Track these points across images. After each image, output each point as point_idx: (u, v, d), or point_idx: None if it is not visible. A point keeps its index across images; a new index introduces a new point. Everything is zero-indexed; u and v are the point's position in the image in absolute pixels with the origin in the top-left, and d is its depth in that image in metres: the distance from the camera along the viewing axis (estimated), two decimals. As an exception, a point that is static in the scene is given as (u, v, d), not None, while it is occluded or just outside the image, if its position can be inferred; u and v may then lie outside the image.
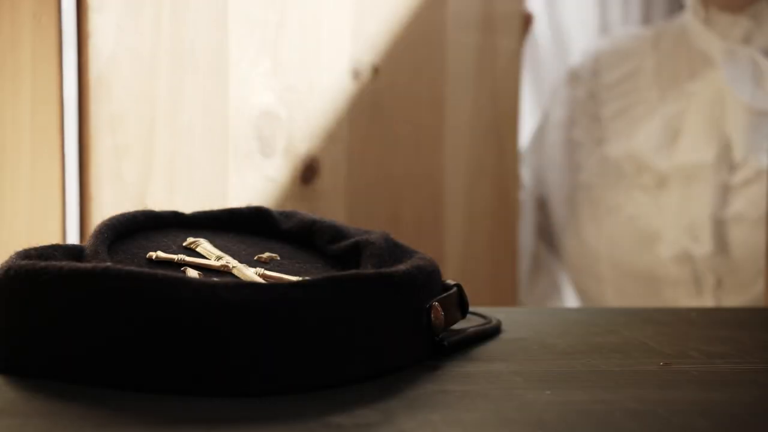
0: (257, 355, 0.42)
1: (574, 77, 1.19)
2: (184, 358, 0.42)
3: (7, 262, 0.46)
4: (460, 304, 0.55)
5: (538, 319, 0.67)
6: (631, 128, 1.09)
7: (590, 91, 1.15)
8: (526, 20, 1.12)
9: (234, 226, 0.58)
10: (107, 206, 0.75)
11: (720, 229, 1.01)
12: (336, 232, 0.56)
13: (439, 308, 0.51)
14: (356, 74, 0.92)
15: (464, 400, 0.42)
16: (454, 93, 0.99)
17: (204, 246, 0.52)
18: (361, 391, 0.43)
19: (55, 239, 0.68)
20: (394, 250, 0.54)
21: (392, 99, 0.95)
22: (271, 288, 0.43)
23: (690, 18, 1.10)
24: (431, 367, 0.49)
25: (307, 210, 0.63)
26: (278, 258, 0.53)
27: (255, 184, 0.87)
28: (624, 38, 1.20)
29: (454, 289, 0.55)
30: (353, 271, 0.46)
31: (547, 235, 1.20)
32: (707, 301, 1.03)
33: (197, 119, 0.88)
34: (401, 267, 0.49)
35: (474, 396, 0.43)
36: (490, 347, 0.55)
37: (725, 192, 1.02)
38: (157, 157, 0.78)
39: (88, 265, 0.43)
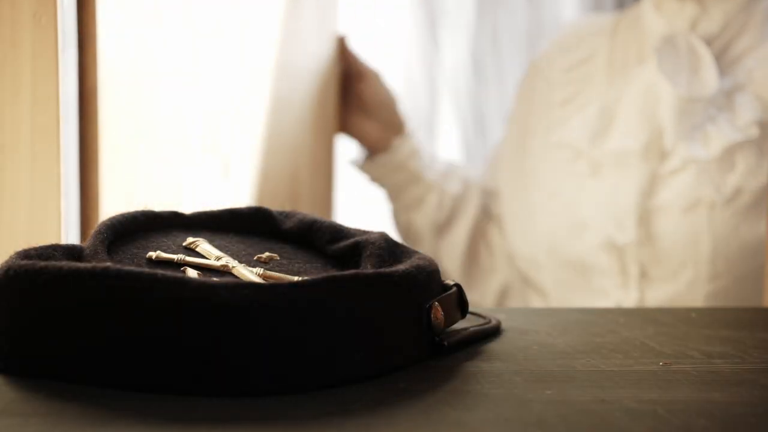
0: (257, 355, 0.42)
1: (534, 66, 1.19)
2: (183, 358, 0.42)
3: (6, 262, 0.46)
4: (459, 304, 0.55)
5: (538, 319, 0.67)
6: (573, 115, 1.08)
7: (547, 78, 1.14)
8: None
9: (234, 226, 0.57)
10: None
11: (646, 217, 1.00)
12: (336, 232, 0.56)
13: (439, 308, 0.51)
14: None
15: (464, 400, 0.42)
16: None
17: (204, 246, 0.52)
18: (361, 392, 0.43)
19: (55, 239, 0.68)
20: (394, 250, 0.54)
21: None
22: (271, 288, 0.43)
23: (644, 5, 1.08)
24: (431, 367, 0.49)
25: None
26: (278, 258, 0.53)
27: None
28: (583, 26, 1.19)
29: (454, 289, 0.55)
30: (353, 271, 0.46)
31: (496, 221, 1.20)
32: (632, 293, 1.02)
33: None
34: (401, 267, 0.49)
35: (474, 396, 0.43)
36: (490, 347, 0.55)
37: (653, 180, 1.00)
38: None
39: (88, 265, 0.43)
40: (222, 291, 0.42)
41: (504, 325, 0.61)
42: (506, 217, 1.17)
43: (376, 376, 0.46)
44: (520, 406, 0.41)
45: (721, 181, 0.97)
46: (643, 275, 1.01)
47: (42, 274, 0.43)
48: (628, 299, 1.02)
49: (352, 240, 0.54)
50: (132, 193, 0.75)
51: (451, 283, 0.55)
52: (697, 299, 0.99)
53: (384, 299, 0.46)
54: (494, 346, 0.55)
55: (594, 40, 1.13)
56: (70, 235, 0.70)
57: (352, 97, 1.19)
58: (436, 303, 0.50)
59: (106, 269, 0.42)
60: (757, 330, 0.64)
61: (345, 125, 1.20)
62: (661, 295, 1.00)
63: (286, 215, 0.59)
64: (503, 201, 1.18)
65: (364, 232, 0.56)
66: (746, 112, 0.98)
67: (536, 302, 1.13)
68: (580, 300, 1.06)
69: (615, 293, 1.02)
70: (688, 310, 0.70)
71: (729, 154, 0.97)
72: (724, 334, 0.61)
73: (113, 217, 0.53)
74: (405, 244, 0.58)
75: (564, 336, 0.59)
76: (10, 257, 0.47)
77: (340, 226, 0.57)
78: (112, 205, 0.72)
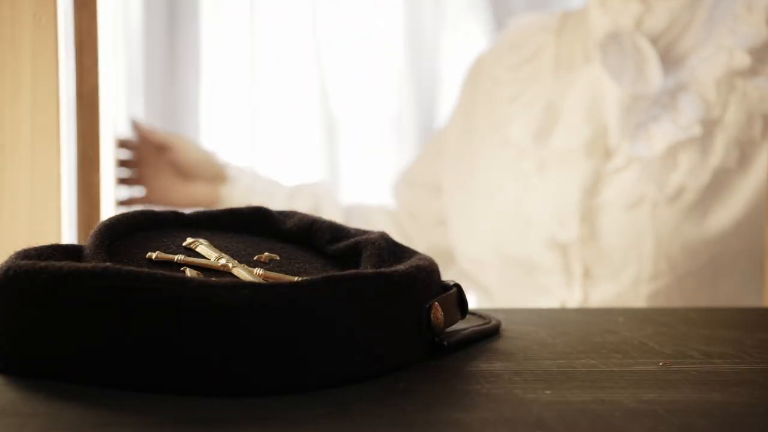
0: (256, 355, 0.42)
1: (479, 63, 1.17)
2: (183, 358, 0.42)
3: (6, 262, 0.46)
4: (459, 304, 0.55)
5: (538, 319, 0.67)
6: (520, 113, 1.07)
7: (493, 76, 1.13)
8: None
9: (233, 225, 0.57)
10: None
11: (589, 216, 0.99)
12: (335, 232, 0.56)
13: (439, 308, 0.51)
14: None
15: (464, 400, 0.42)
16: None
17: (203, 246, 0.52)
18: (360, 392, 0.43)
19: (55, 239, 0.68)
20: (394, 250, 0.54)
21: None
22: (271, 288, 0.43)
23: (590, 2, 1.06)
24: (431, 367, 0.49)
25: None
26: (278, 258, 0.53)
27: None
28: (530, 24, 1.16)
29: (454, 289, 0.55)
30: (353, 271, 0.46)
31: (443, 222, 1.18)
32: (576, 292, 1.01)
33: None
34: (401, 267, 0.49)
35: (474, 396, 0.43)
36: (490, 347, 0.55)
37: (597, 178, 0.99)
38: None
39: (88, 265, 0.43)
40: (221, 291, 0.42)
41: (504, 325, 0.61)
42: (450, 216, 1.15)
43: (376, 376, 0.46)
44: (520, 406, 0.41)
45: (663, 179, 0.96)
46: (587, 274, 1.00)
47: (41, 273, 0.43)
48: (572, 299, 1.01)
49: (352, 240, 0.54)
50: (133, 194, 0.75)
51: (451, 283, 0.55)
52: (639, 299, 0.98)
53: (384, 299, 0.46)
54: (494, 346, 0.55)
55: (540, 37, 1.11)
56: (70, 235, 0.70)
57: (166, 168, 1.23)
58: (436, 303, 0.50)
59: (105, 269, 0.42)
60: (757, 330, 0.64)
61: (169, 197, 1.24)
62: (604, 294, 0.99)
63: (286, 215, 0.59)
64: (447, 199, 1.16)
65: (364, 232, 0.56)
66: (689, 111, 0.97)
67: (483, 302, 1.13)
68: (525, 299, 1.05)
69: (559, 292, 1.02)
70: (688, 310, 0.70)
71: (672, 153, 0.97)
72: (724, 334, 0.61)
73: (113, 217, 0.53)
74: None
75: (564, 336, 0.59)
76: (10, 257, 0.47)
77: (340, 225, 0.57)
78: (112, 205, 0.72)
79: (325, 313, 0.43)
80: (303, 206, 1.20)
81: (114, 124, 1.07)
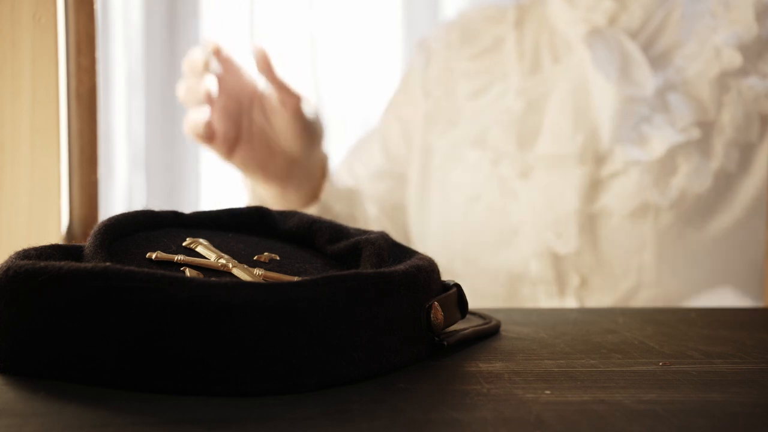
0: (256, 355, 0.42)
1: (426, 49, 1.10)
2: (183, 358, 0.42)
3: (6, 262, 0.46)
4: (459, 304, 0.55)
5: (538, 319, 0.67)
6: (488, 111, 1.01)
7: (447, 65, 1.06)
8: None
9: (233, 225, 0.58)
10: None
11: (586, 224, 0.93)
12: (335, 232, 0.56)
13: (439, 308, 0.51)
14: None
15: (464, 400, 0.42)
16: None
17: (203, 246, 0.52)
18: (361, 391, 0.43)
19: (55, 239, 0.68)
20: (394, 250, 0.54)
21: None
22: (271, 288, 0.43)
23: None
24: (431, 367, 0.49)
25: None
26: (278, 258, 0.53)
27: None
28: (481, 13, 1.09)
29: (454, 289, 0.55)
30: (353, 271, 0.46)
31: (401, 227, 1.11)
32: (569, 302, 0.95)
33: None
34: (400, 267, 0.49)
35: (474, 396, 0.43)
36: (490, 347, 0.55)
37: (592, 185, 0.94)
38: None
39: (88, 264, 0.43)
40: (221, 291, 0.42)
41: (504, 325, 0.61)
42: (414, 223, 1.07)
43: (375, 376, 0.46)
44: (520, 406, 0.41)
45: (665, 184, 0.92)
46: (583, 284, 0.95)
47: (41, 273, 0.43)
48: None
49: (352, 240, 0.54)
50: (133, 193, 0.75)
51: (451, 283, 0.55)
52: (637, 305, 0.93)
53: (384, 299, 0.46)
54: (494, 346, 0.55)
55: (497, 28, 1.05)
56: (70, 236, 0.70)
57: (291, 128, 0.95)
58: (436, 303, 0.50)
59: (105, 269, 0.42)
60: (757, 330, 0.64)
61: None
62: (602, 304, 0.94)
63: (286, 215, 0.59)
64: (409, 192, 1.09)
65: (364, 232, 0.56)
66: (684, 113, 0.93)
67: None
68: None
69: (547, 303, 0.96)
70: (688, 310, 0.70)
71: (671, 157, 0.92)
72: (724, 334, 0.61)
73: (112, 217, 0.53)
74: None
75: (564, 336, 0.59)
76: (10, 257, 0.47)
77: (340, 225, 0.57)
78: (111, 205, 0.72)
79: (325, 313, 0.43)
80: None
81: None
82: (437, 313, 0.50)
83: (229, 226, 0.57)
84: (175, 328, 0.41)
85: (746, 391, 0.45)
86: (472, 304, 1.02)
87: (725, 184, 0.94)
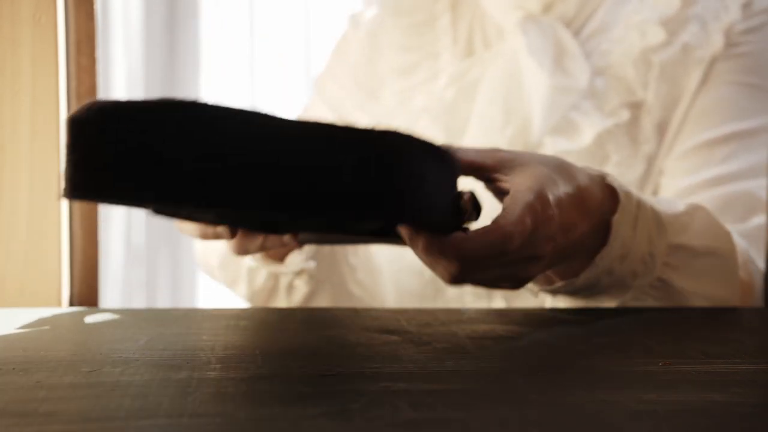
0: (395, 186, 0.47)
1: (355, 22, 1.06)
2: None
3: (85, 104, 0.48)
4: (474, 206, 0.58)
5: (538, 319, 0.67)
6: (417, 93, 0.97)
7: (372, 32, 1.02)
8: None
9: None
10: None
11: None
12: None
13: (469, 198, 0.55)
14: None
15: (464, 399, 0.42)
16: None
17: None
18: (361, 392, 0.43)
19: (54, 239, 0.68)
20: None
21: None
22: (392, 133, 0.48)
23: None
24: (431, 367, 0.49)
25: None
26: None
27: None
28: None
29: (471, 192, 0.58)
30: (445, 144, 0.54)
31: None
32: (498, 302, 0.91)
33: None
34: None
35: (474, 396, 0.43)
36: (490, 347, 0.55)
37: None
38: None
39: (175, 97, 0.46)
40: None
41: (504, 325, 0.61)
42: None
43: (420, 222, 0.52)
44: (520, 406, 0.41)
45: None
46: None
47: (127, 107, 0.44)
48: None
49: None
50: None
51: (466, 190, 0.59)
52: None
53: (448, 170, 0.53)
54: (494, 346, 0.55)
55: (432, 4, 1.01)
56: (70, 235, 0.70)
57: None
58: (471, 193, 0.55)
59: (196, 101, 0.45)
60: (757, 330, 0.64)
61: None
62: (526, 303, 0.89)
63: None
64: None
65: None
66: (611, 96, 0.90)
67: None
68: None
69: (477, 304, 0.92)
70: (688, 310, 0.70)
71: (600, 144, 0.88)
72: (724, 334, 0.61)
73: None
74: None
75: (564, 336, 0.59)
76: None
77: None
78: (111, 205, 0.72)
79: (430, 169, 0.50)
80: None
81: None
82: (467, 202, 0.55)
83: None
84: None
85: (746, 391, 0.45)
86: (397, 302, 0.99)
87: (656, 168, 0.90)
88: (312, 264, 0.88)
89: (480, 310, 0.71)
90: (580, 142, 0.88)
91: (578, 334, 0.60)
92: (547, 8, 0.94)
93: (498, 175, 0.62)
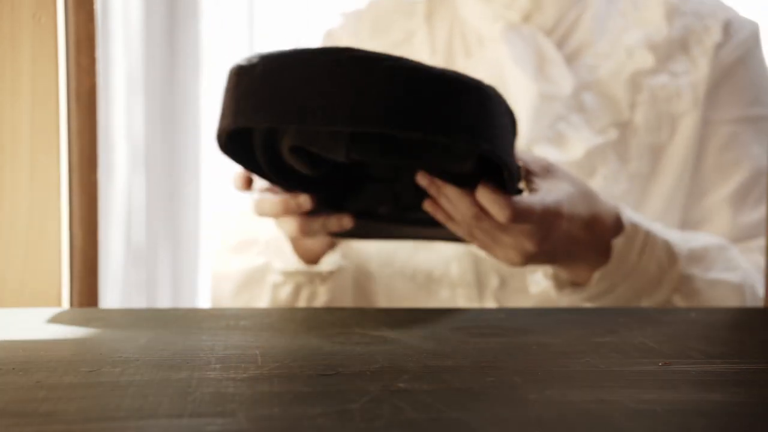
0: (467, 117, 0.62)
1: (335, 40, 1.05)
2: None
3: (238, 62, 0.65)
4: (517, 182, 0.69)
5: (538, 319, 0.67)
6: None
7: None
8: None
9: None
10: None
11: None
12: None
13: (524, 169, 0.69)
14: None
15: (464, 399, 0.42)
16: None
17: None
18: (361, 391, 0.43)
19: (54, 239, 0.68)
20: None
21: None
22: (469, 78, 0.64)
23: None
24: (431, 367, 0.49)
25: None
26: None
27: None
28: (389, 5, 1.04)
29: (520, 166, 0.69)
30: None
31: None
32: (489, 303, 0.92)
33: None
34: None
35: (474, 396, 0.43)
36: (490, 347, 0.55)
37: None
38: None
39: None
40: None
41: (504, 325, 0.61)
42: None
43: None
44: (520, 406, 0.41)
45: None
46: (502, 285, 0.91)
47: (280, 56, 0.61)
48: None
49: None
50: (133, 192, 0.75)
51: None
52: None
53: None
54: (494, 345, 0.55)
55: (407, 21, 1.02)
56: (70, 235, 0.70)
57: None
58: (524, 166, 0.69)
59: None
60: (757, 330, 0.64)
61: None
62: (520, 305, 0.91)
63: None
64: None
65: None
66: (601, 114, 0.92)
67: None
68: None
69: (467, 305, 0.92)
70: (688, 310, 0.70)
71: (589, 158, 0.90)
72: (724, 334, 0.61)
73: None
74: None
75: (563, 336, 0.59)
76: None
77: None
78: (111, 205, 0.72)
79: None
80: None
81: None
82: (522, 170, 0.68)
83: None
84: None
85: (746, 391, 0.45)
86: (389, 305, 0.98)
87: (639, 186, 0.93)
88: (346, 263, 0.91)
89: (480, 310, 0.71)
90: (571, 155, 0.91)
91: (578, 334, 0.60)
92: (526, 18, 0.95)
93: (534, 178, 0.73)
